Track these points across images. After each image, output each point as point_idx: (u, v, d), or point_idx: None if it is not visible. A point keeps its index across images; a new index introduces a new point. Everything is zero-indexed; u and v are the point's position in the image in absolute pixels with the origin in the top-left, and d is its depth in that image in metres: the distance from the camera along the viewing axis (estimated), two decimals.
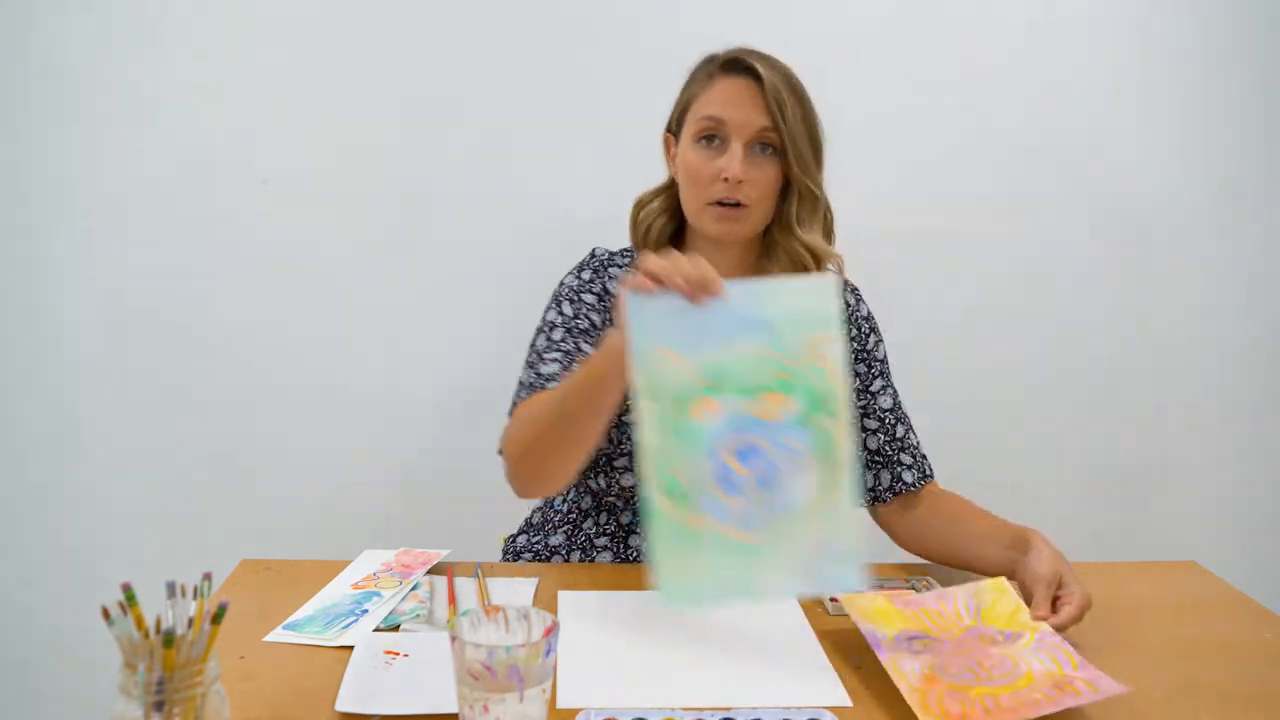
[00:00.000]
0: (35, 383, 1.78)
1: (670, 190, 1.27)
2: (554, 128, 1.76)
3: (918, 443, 1.31)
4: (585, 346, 1.21)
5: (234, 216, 1.76)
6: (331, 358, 1.81)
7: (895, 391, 1.32)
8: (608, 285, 1.26)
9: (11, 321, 1.76)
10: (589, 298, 1.25)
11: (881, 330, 1.34)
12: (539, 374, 1.19)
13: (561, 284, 1.29)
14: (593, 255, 1.31)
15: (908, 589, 1.11)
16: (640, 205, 1.29)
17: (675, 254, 0.91)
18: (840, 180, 1.80)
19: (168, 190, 1.74)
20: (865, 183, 1.82)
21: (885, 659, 0.89)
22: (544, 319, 1.26)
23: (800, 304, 0.91)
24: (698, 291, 0.89)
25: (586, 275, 1.28)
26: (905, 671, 0.87)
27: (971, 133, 1.83)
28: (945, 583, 1.13)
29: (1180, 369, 1.94)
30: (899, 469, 1.28)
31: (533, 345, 1.25)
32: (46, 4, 1.68)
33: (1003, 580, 1.03)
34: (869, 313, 1.33)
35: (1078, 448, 1.95)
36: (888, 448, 1.28)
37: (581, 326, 1.23)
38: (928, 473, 1.29)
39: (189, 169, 1.74)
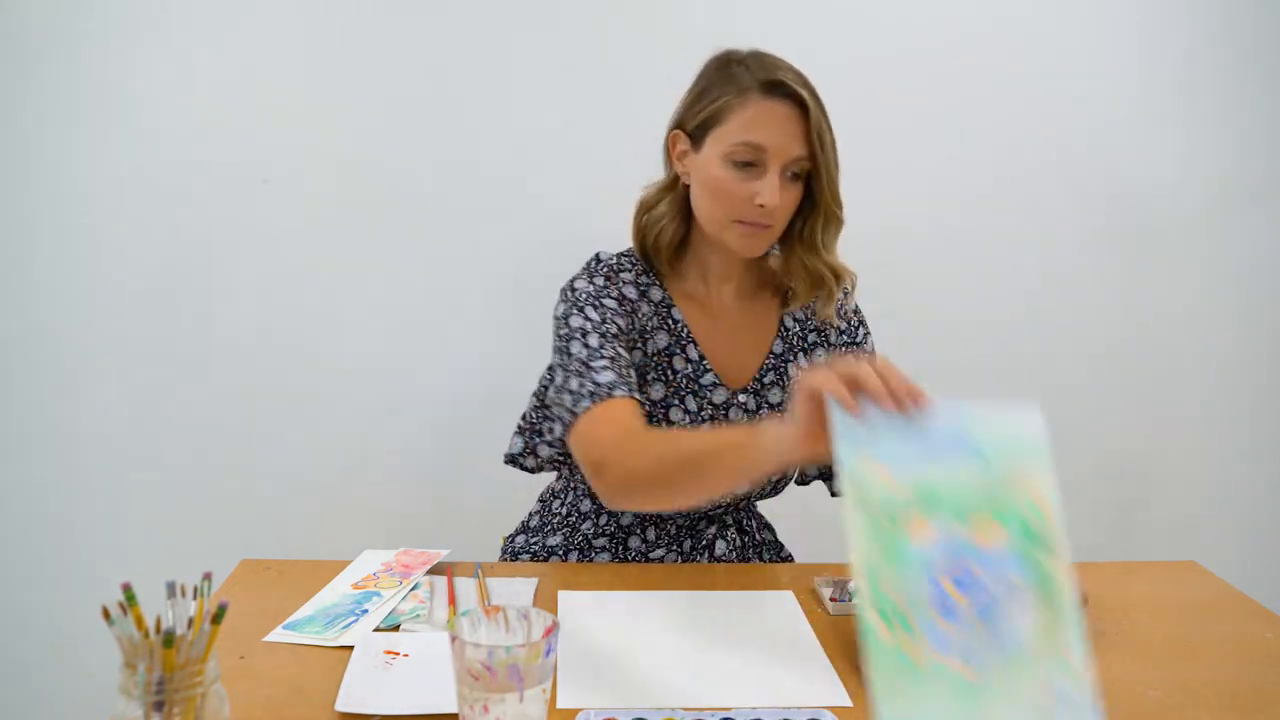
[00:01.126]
0: (35, 382, 1.78)
1: (674, 192, 1.23)
2: (555, 126, 1.76)
3: None
4: (622, 351, 1.18)
5: (234, 217, 1.76)
6: (332, 358, 1.81)
7: None
8: (624, 291, 1.23)
9: (11, 321, 1.76)
10: (609, 302, 1.21)
11: (881, 327, 1.34)
12: (598, 383, 1.13)
13: (574, 289, 1.23)
14: (599, 260, 1.26)
15: None
16: (645, 208, 1.25)
17: (885, 363, 0.86)
18: (850, 182, 1.81)
19: (168, 191, 1.74)
20: (867, 182, 1.82)
21: None
22: (568, 325, 1.20)
23: (1008, 430, 0.87)
24: (908, 404, 0.84)
25: (600, 281, 1.23)
26: None
27: (972, 132, 1.83)
28: None
29: (1181, 369, 1.94)
30: None
31: (567, 352, 1.18)
32: (45, 2, 1.68)
33: None
34: (857, 306, 1.34)
35: (1078, 447, 1.94)
36: None
37: (611, 331, 1.19)
38: None
39: (188, 169, 1.74)
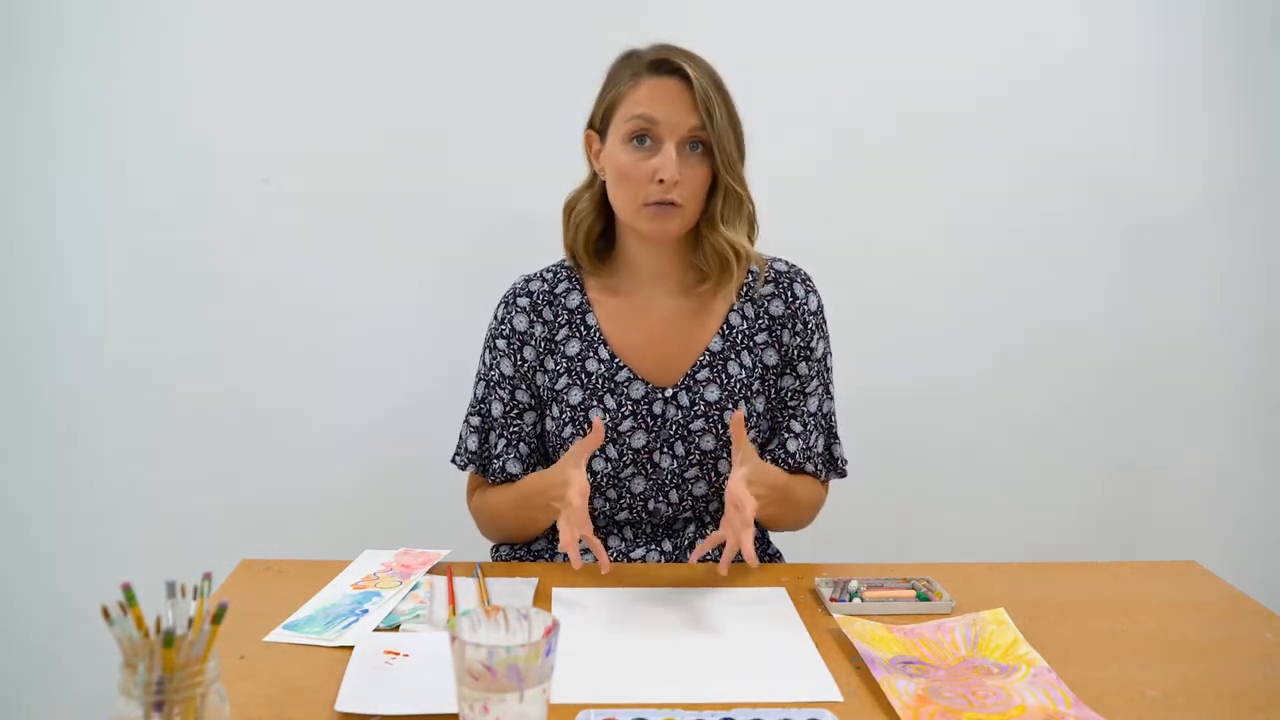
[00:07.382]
0: (34, 383, 1.78)
1: (594, 188, 1.27)
2: (548, 130, 1.76)
3: (830, 449, 1.34)
4: (496, 408, 1.29)
5: (234, 217, 1.76)
6: (331, 357, 1.81)
7: (825, 393, 1.32)
8: (514, 323, 1.29)
9: (11, 321, 1.76)
10: (500, 343, 1.29)
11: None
12: (461, 449, 1.32)
13: (489, 326, 1.32)
14: (512, 288, 1.32)
15: (907, 589, 1.11)
16: (570, 207, 1.30)
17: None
18: (851, 184, 1.81)
19: (165, 191, 1.74)
20: (871, 184, 1.82)
21: (880, 676, 0.90)
22: (480, 360, 1.32)
23: None
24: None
25: (500, 313, 1.30)
26: (899, 690, 0.88)
27: (975, 134, 1.83)
28: (943, 581, 1.13)
29: (1180, 369, 1.94)
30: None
31: (472, 396, 1.32)
32: (45, 2, 1.68)
33: (1001, 611, 1.04)
34: (819, 306, 1.31)
35: (1078, 448, 1.94)
36: (800, 455, 1.30)
37: (494, 379, 1.29)
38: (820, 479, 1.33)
39: (187, 170, 1.74)
